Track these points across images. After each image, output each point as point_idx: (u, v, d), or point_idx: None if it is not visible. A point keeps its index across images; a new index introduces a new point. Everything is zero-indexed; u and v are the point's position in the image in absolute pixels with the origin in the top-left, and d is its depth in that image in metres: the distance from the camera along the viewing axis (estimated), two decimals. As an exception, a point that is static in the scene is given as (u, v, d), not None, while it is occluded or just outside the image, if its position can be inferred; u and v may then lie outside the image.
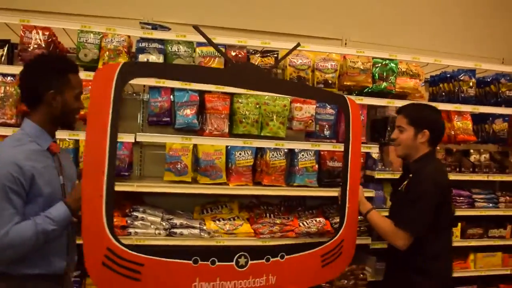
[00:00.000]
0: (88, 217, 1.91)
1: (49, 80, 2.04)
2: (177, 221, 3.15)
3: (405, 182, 2.63)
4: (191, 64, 3.14)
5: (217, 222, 3.22)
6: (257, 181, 3.42)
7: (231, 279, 2.22)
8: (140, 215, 3.13)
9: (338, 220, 3.23)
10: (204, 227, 3.15)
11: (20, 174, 1.88)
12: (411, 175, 2.60)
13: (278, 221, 3.30)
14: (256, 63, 3.34)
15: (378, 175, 3.47)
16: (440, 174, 2.60)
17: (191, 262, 2.12)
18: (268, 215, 3.39)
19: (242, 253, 2.27)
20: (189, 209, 3.54)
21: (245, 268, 2.25)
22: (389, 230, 2.53)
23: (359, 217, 2.77)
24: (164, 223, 3.13)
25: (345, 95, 2.79)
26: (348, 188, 2.58)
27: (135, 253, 1.99)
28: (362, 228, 3.45)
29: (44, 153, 2.05)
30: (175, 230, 3.10)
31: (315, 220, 3.35)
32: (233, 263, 2.23)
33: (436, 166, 2.64)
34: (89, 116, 1.97)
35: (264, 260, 2.32)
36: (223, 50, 3.24)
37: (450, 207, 2.65)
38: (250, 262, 2.27)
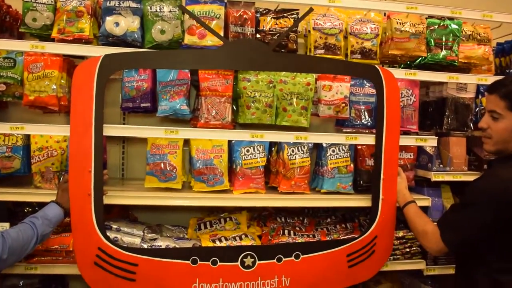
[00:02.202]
0: (77, 217, 1.99)
1: None
2: (162, 242, 2.33)
3: None
4: (181, 50, 2.36)
5: (217, 242, 2.38)
6: (272, 186, 2.58)
7: (236, 281, 2.11)
8: (113, 234, 2.31)
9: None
10: (200, 251, 2.33)
11: None
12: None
13: (301, 241, 2.43)
14: (268, 26, 2.45)
15: (435, 177, 2.56)
16: None
17: (189, 262, 2.08)
18: (287, 231, 2.52)
19: (248, 252, 2.14)
20: (185, 221, 2.72)
21: (252, 269, 2.14)
22: (420, 228, 2.07)
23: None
24: (144, 245, 2.32)
25: (376, 65, 2.38)
26: (382, 176, 2.30)
27: (128, 253, 2.01)
28: (413, 249, 2.58)
29: None
30: (159, 255, 2.30)
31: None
32: (238, 263, 2.13)
33: None
34: (72, 114, 2.00)
35: (275, 260, 2.17)
36: (223, 8, 2.37)
37: None
38: (258, 262, 2.15)
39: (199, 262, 2.10)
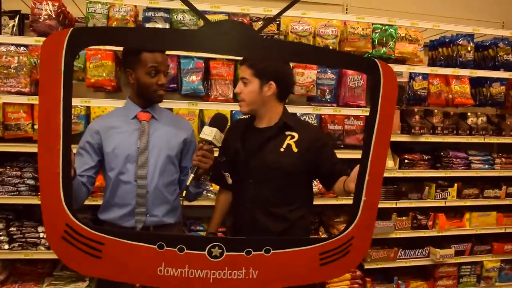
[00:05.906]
0: (46, 193, 1.79)
1: (125, 59, 2.37)
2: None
3: (291, 140, 2.35)
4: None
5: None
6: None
7: (202, 268, 1.98)
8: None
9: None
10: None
11: (91, 137, 2.37)
12: (297, 133, 2.36)
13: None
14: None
15: (377, 138, 3.60)
16: None
17: (155, 247, 1.93)
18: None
19: (216, 243, 2.00)
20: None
21: (219, 259, 1.99)
22: None
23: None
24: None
25: (376, 59, 1.78)
26: (367, 175, 1.87)
27: (94, 232, 1.86)
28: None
29: (129, 121, 2.38)
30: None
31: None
32: (205, 252, 1.97)
33: None
34: (40, 90, 1.70)
35: (243, 253, 2.02)
36: (227, 17, 3.34)
37: None
38: (225, 253, 1.99)
39: (165, 247, 1.95)
